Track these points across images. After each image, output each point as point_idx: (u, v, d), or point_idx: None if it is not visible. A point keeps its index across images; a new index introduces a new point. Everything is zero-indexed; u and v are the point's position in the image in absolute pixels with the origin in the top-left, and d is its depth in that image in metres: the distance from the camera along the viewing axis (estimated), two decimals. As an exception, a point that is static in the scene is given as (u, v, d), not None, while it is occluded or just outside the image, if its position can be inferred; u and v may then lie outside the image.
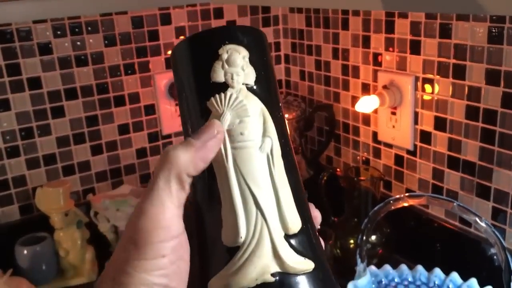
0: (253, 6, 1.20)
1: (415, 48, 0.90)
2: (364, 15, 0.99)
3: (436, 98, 0.88)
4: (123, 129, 1.11)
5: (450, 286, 0.77)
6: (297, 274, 0.31)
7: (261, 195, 0.31)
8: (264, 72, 0.34)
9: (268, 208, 0.31)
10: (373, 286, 0.79)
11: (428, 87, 0.89)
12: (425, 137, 0.92)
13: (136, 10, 1.05)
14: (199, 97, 0.33)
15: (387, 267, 0.82)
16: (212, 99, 0.32)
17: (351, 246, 0.96)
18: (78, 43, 1.03)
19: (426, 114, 0.91)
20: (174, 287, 0.31)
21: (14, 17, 0.88)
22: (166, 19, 1.10)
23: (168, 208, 0.30)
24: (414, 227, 0.97)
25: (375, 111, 1.00)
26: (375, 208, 0.72)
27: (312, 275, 0.31)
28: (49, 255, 0.97)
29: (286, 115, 1.12)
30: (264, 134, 0.32)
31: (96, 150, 1.09)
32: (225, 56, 0.33)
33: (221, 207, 0.31)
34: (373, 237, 0.93)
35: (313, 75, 1.18)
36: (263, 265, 0.30)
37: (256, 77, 0.33)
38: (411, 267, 0.80)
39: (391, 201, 0.69)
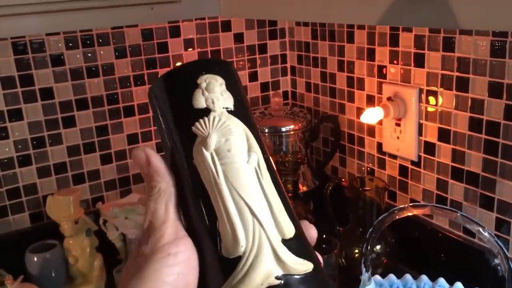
0: (260, 19, 1.22)
1: (419, 61, 0.91)
2: (369, 29, 1.01)
3: (440, 110, 0.90)
4: (132, 139, 1.13)
5: (454, 296, 0.78)
6: (299, 275, 0.32)
7: (255, 204, 0.33)
8: (239, 97, 0.37)
9: (263, 215, 0.33)
10: (378, 295, 0.80)
11: (432, 99, 0.91)
12: (429, 148, 0.93)
13: (147, 24, 1.08)
14: (184, 125, 0.35)
15: (392, 276, 0.83)
16: (197, 123, 0.35)
17: (356, 255, 0.97)
18: (89, 54, 1.05)
19: (430, 126, 0.92)
20: (183, 286, 0.32)
21: (28, 30, 0.90)
22: (175, 32, 1.13)
23: (167, 221, 0.34)
24: (419, 237, 0.98)
25: (380, 123, 1.02)
26: (380, 218, 0.73)
27: (313, 275, 0.33)
28: (59, 262, 0.98)
29: (292, 126, 1.14)
30: (249, 149, 0.35)
31: (106, 159, 1.11)
32: (204, 84, 0.35)
33: (218, 221, 0.33)
34: (378, 247, 0.94)
35: (319, 86, 1.20)
36: (267, 270, 0.32)
37: (234, 101, 0.36)
38: (415, 277, 0.81)
39: (396, 211, 0.70)
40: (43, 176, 1.05)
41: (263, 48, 1.25)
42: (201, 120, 0.35)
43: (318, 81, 1.20)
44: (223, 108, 0.35)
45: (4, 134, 1.00)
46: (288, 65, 1.29)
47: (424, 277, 0.80)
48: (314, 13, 0.71)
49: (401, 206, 0.72)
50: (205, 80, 0.36)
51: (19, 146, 1.02)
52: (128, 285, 0.32)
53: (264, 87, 1.28)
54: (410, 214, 0.71)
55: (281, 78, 1.29)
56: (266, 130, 1.14)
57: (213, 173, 0.33)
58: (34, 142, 1.03)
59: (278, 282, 0.32)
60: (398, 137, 0.98)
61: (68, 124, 1.06)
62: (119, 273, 1.01)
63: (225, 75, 0.37)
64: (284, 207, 0.35)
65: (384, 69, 1.00)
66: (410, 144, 0.96)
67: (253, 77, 1.25)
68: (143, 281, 0.31)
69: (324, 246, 0.89)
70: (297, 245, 0.33)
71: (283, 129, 1.13)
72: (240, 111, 0.36)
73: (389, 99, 0.97)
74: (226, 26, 1.18)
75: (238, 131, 0.35)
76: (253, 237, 0.32)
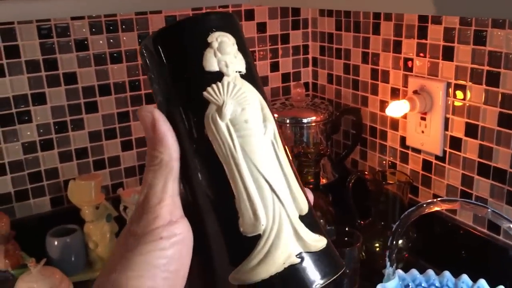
0: (284, 9, 1.21)
1: (448, 54, 0.90)
2: (396, 20, 0.99)
3: (468, 104, 0.88)
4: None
5: (478, 292, 0.77)
6: (316, 251, 0.32)
7: (274, 180, 0.31)
8: (249, 58, 0.33)
9: (283, 192, 0.31)
10: (401, 289, 0.80)
11: (459, 93, 0.89)
12: (455, 143, 0.92)
13: (171, 10, 1.07)
14: (193, 89, 0.31)
15: (414, 271, 0.82)
16: (209, 89, 0.31)
17: (377, 249, 0.97)
18: (112, 40, 1.05)
19: (457, 120, 0.91)
20: (174, 270, 0.31)
21: (54, 13, 0.90)
22: (198, 19, 1.12)
23: (164, 199, 0.31)
24: (441, 233, 0.97)
25: (404, 116, 1.00)
26: (407, 212, 0.72)
27: (327, 250, 0.32)
28: (79, 247, 0.99)
29: (314, 117, 1.13)
30: (265, 120, 0.32)
31: (126, 146, 1.11)
32: (215, 44, 0.32)
33: (235, 198, 0.31)
34: (400, 242, 0.93)
35: (341, 78, 1.19)
36: (288, 248, 0.31)
37: (245, 64, 0.33)
38: (437, 273, 0.80)
39: (424, 205, 0.69)
40: (65, 161, 1.06)
41: (285, 38, 1.24)
42: (213, 86, 0.31)
43: (340, 73, 1.18)
44: (236, 72, 0.32)
45: (26, 118, 1.01)
46: (310, 56, 1.28)
47: (447, 273, 0.80)
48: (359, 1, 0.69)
49: (429, 200, 0.71)
50: (216, 38, 0.32)
51: (41, 130, 1.02)
52: (117, 265, 0.30)
53: (285, 77, 1.27)
54: (438, 208, 0.70)
55: (302, 69, 1.28)
56: (287, 121, 1.13)
57: (229, 146, 0.31)
58: (56, 127, 1.03)
59: (299, 260, 0.31)
60: (422, 131, 0.97)
61: (90, 110, 1.06)
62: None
63: (235, 33, 0.33)
64: (296, 179, 0.33)
65: (410, 62, 0.98)
66: (436, 138, 0.94)
67: (274, 67, 1.24)
68: (132, 263, 0.30)
69: (346, 239, 0.88)
70: (310, 220, 0.32)
71: (304, 120, 1.13)
72: (251, 75, 0.33)
73: (415, 92, 0.96)
74: (249, 15, 1.17)
75: (254, 99, 0.32)
76: (274, 215, 0.31)
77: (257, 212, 0.30)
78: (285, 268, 0.30)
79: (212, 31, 0.32)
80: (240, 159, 0.31)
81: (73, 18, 0.99)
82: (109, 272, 0.31)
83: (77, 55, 1.02)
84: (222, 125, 0.31)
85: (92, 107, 1.05)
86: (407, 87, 0.99)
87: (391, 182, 0.95)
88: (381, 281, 0.76)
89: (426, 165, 0.99)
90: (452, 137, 0.93)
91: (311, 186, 1.01)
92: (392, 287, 0.77)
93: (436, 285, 0.81)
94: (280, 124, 1.13)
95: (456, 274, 0.78)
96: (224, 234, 0.32)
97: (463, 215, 0.93)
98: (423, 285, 0.81)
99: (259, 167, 0.31)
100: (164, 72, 0.32)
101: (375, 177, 0.96)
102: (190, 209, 0.32)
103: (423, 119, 0.96)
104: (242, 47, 0.33)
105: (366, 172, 0.98)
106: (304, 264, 0.31)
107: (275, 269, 0.30)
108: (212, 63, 0.31)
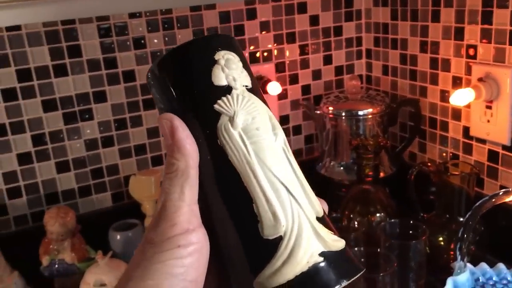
0: (336, 0, 1.19)
1: (516, 39, 0.86)
2: (457, 6, 0.96)
3: (538, 90, 0.84)
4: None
5: (555, 287, 0.73)
6: (336, 251, 0.32)
7: (289, 183, 0.32)
8: (252, 76, 0.35)
9: (299, 193, 0.32)
10: (471, 283, 0.77)
11: (529, 80, 0.85)
12: (525, 132, 0.88)
13: (225, 2, 1.07)
14: (205, 103, 0.33)
15: (484, 265, 0.79)
16: (220, 101, 0.33)
17: (441, 243, 0.93)
18: (166, 38, 1.06)
19: (527, 108, 0.87)
20: (192, 280, 0.30)
21: (112, 9, 0.92)
22: (251, 14, 1.12)
23: (181, 207, 0.31)
24: (509, 227, 0.93)
25: (467, 106, 0.97)
26: (479, 202, 0.69)
27: (346, 251, 0.33)
28: (140, 241, 1.00)
29: (370, 110, 1.10)
30: (274, 129, 0.34)
31: (183, 142, 1.12)
32: (222, 61, 0.34)
33: (253, 203, 0.31)
34: (469, 234, 0.90)
35: (397, 69, 1.16)
36: (311, 248, 0.31)
37: (251, 80, 0.35)
38: (508, 268, 0.77)
39: (499, 194, 0.66)
40: (124, 157, 1.08)
41: (338, 31, 1.22)
42: (224, 98, 0.33)
43: (396, 64, 1.16)
44: (243, 86, 0.34)
45: (87, 116, 1.03)
46: (363, 47, 1.26)
47: (519, 267, 0.76)
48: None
49: (504, 189, 0.68)
50: (223, 56, 0.34)
51: (102, 128, 1.05)
52: (134, 275, 0.30)
53: (339, 70, 1.25)
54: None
55: (355, 61, 1.26)
56: (343, 114, 1.11)
57: (243, 153, 0.32)
58: (116, 124, 1.06)
59: (321, 259, 0.31)
60: (488, 120, 0.93)
61: (148, 107, 1.07)
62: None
63: (238, 53, 0.35)
64: (309, 184, 0.34)
65: (473, 49, 0.94)
66: (503, 127, 0.90)
67: (327, 60, 1.23)
68: (150, 272, 0.30)
69: (411, 232, 0.86)
70: (327, 222, 0.33)
71: (361, 113, 1.11)
72: (256, 90, 0.35)
73: (480, 80, 0.92)
74: (302, 8, 1.16)
75: (262, 110, 0.34)
76: (292, 216, 0.31)
77: (276, 213, 0.31)
78: (309, 268, 0.31)
79: (218, 50, 0.34)
80: (255, 164, 0.32)
81: (130, 17, 1.01)
82: (126, 280, 0.30)
83: (135, 53, 1.04)
84: (235, 133, 0.32)
85: (149, 104, 1.07)
86: (470, 75, 0.96)
87: (456, 173, 0.92)
88: (446, 276, 0.73)
89: (492, 155, 0.95)
90: (521, 126, 0.88)
91: (370, 179, 0.99)
92: (463, 281, 0.74)
93: (508, 278, 0.77)
94: (335, 117, 1.12)
95: (528, 268, 0.74)
96: (244, 240, 0.32)
97: (535, 207, 0.89)
98: (494, 279, 0.78)
99: (273, 171, 0.32)
100: (174, 92, 0.34)
101: (439, 168, 0.93)
102: (205, 219, 0.33)
103: (489, 107, 0.92)
104: (246, 66, 0.35)
105: (429, 163, 0.95)
106: (327, 262, 0.31)
107: (300, 268, 0.31)
108: (220, 78, 0.33)
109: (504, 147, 0.92)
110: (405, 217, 0.93)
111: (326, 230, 0.32)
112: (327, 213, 0.35)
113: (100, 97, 1.03)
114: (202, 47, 0.34)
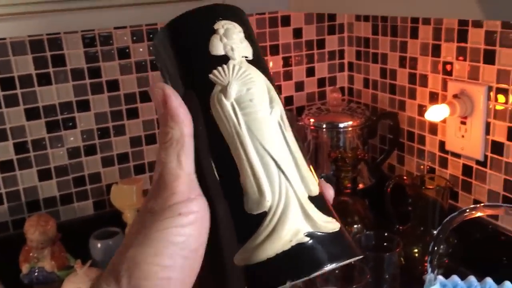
0: (320, 14, 1.22)
1: (489, 58, 0.89)
2: (435, 24, 0.99)
3: (510, 108, 0.87)
4: (191, 131, 1.15)
5: (523, 300, 0.76)
6: (327, 233, 0.31)
7: (280, 157, 0.31)
8: (256, 47, 0.34)
9: (290, 170, 0.31)
10: (442, 295, 0.79)
11: (501, 97, 0.88)
12: (497, 147, 0.90)
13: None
14: (200, 72, 0.32)
15: (455, 277, 0.81)
16: (215, 71, 0.32)
17: (416, 255, 0.96)
18: (151, 48, 1.07)
19: (499, 125, 0.89)
20: (193, 249, 0.30)
21: (109, 23, 0.93)
22: (235, 26, 1.13)
23: (180, 176, 0.30)
24: (482, 239, 0.95)
25: (444, 121, 0.99)
26: (449, 217, 0.71)
27: (340, 234, 0.31)
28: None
29: (350, 122, 1.13)
30: (271, 102, 0.32)
31: (165, 151, 1.13)
32: (221, 30, 0.33)
33: (239, 175, 0.31)
34: (440, 247, 0.92)
35: (378, 83, 1.18)
36: (296, 226, 0.30)
37: (252, 51, 0.34)
38: (478, 280, 0.79)
39: (467, 210, 0.68)
40: (107, 166, 1.09)
41: (321, 43, 1.24)
42: (219, 68, 0.32)
43: (377, 77, 1.18)
44: (242, 56, 0.33)
45: (71, 124, 1.04)
46: (345, 60, 1.28)
47: (489, 280, 0.78)
48: (400, 6, 0.69)
49: (472, 206, 0.70)
50: (222, 26, 0.33)
51: (85, 136, 1.06)
52: (133, 242, 0.29)
53: (321, 82, 1.27)
54: (481, 214, 0.69)
55: (338, 74, 1.28)
56: (324, 126, 1.13)
57: (234, 124, 0.31)
58: (99, 132, 1.07)
59: (307, 239, 0.30)
60: (463, 136, 0.96)
61: (131, 116, 1.08)
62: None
63: (242, 23, 0.34)
64: (306, 163, 0.33)
65: (450, 65, 0.97)
66: (476, 143, 0.93)
67: (310, 72, 1.25)
68: (149, 240, 0.29)
69: (385, 244, 0.88)
70: (322, 203, 0.32)
71: (341, 125, 1.13)
72: (259, 62, 0.34)
73: (455, 96, 0.95)
74: (286, 21, 1.18)
75: (259, 81, 0.33)
76: (280, 192, 0.30)
77: (262, 188, 0.30)
78: (292, 246, 0.29)
79: (219, 19, 0.33)
80: (245, 136, 0.31)
81: (115, 28, 1.03)
82: (125, 248, 0.30)
83: (119, 63, 1.05)
84: (227, 104, 0.31)
85: (133, 113, 1.08)
86: (446, 91, 0.98)
87: (430, 187, 0.94)
88: (421, 287, 0.76)
89: (467, 170, 0.98)
90: (493, 142, 0.91)
91: (348, 190, 1.01)
92: (433, 293, 0.76)
93: (479, 291, 0.79)
94: (316, 129, 1.14)
95: (498, 281, 0.76)
96: (229, 214, 0.31)
97: (505, 220, 0.91)
98: (465, 291, 0.80)
99: (264, 144, 0.31)
100: (173, 60, 0.34)
101: (414, 181, 0.95)
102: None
103: (463, 123, 0.95)
104: (250, 36, 0.34)
105: (405, 177, 0.98)
106: (313, 243, 0.30)
107: (282, 246, 0.29)
108: (217, 47, 0.32)
109: (478, 162, 0.95)
110: (382, 228, 0.95)
111: (316, 210, 0.31)
112: (331, 199, 0.34)
113: (84, 106, 1.04)
114: (202, 16, 0.34)
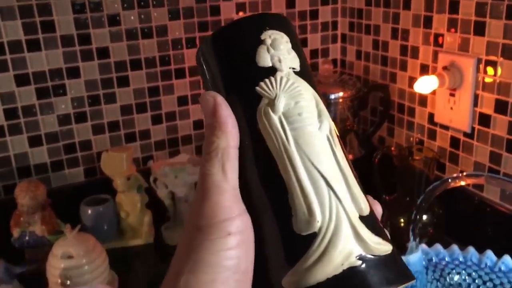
0: (313, -16, 1.20)
1: (479, 30, 0.88)
2: (427, -5, 0.98)
3: (498, 80, 0.87)
4: (182, 100, 1.15)
5: (502, 268, 0.77)
6: (379, 256, 0.29)
7: (330, 175, 0.29)
8: (303, 58, 0.33)
9: (340, 188, 0.29)
10: (424, 263, 0.80)
11: (490, 70, 0.88)
12: (484, 120, 0.91)
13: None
14: (246, 85, 0.31)
15: (438, 246, 0.82)
16: (262, 83, 0.31)
17: (402, 225, 0.97)
18: (143, 16, 1.07)
19: (487, 97, 0.90)
20: (244, 271, 0.28)
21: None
22: (228, -5, 1.13)
23: (226, 190, 0.29)
24: (467, 210, 0.97)
25: (433, 93, 1.00)
26: (431, 186, 0.73)
27: (392, 257, 0.30)
28: (111, 216, 1.03)
29: (341, 93, 1.13)
30: (320, 115, 0.31)
31: (156, 120, 1.14)
32: (268, 41, 0.32)
33: (288, 194, 0.29)
34: (425, 217, 0.94)
35: (370, 55, 1.18)
36: (347, 248, 0.28)
37: (299, 62, 0.32)
38: (461, 249, 0.81)
39: (449, 180, 0.69)
40: (97, 133, 1.09)
41: (314, 14, 1.23)
42: (266, 80, 0.31)
43: (369, 49, 1.18)
44: (290, 68, 0.32)
45: (61, 91, 1.04)
46: (338, 32, 1.27)
47: (471, 249, 0.80)
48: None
49: (454, 175, 0.71)
50: (269, 36, 0.32)
51: (75, 104, 1.06)
52: (185, 269, 0.28)
53: (314, 54, 1.27)
54: (463, 183, 0.70)
55: (331, 45, 1.28)
56: (315, 97, 1.13)
57: (282, 139, 0.30)
58: (90, 100, 1.07)
59: (360, 262, 0.28)
60: (451, 108, 0.96)
61: (122, 84, 1.08)
62: (167, 230, 1.05)
63: (288, 33, 0.33)
64: (356, 180, 0.31)
65: (441, 37, 0.97)
66: (464, 115, 0.94)
67: (302, 43, 1.24)
68: (202, 266, 0.27)
69: (370, 212, 0.89)
70: (373, 223, 0.30)
71: (332, 96, 1.13)
72: (306, 73, 0.32)
73: (444, 68, 0.95)
74: (279, -10, 1.17)
75: (308, 94, 0.31)
76: (330, 212, 0.29)
77: (311, 207, 0.28)
78: (343, 270, 0.28)
79: (266, 29, 0.32)
80: (293, 152, 0.29)
81: (105, -6, 1.02)
82: (176, 274, 0.28)
83: (109, 30, 1.04)
84: (274, 118, 0.30)
85: (123, 82, 1.08)
86: (436, 64, 0.98)
87: (417, 158, 0.95)
88: (404, 255, 0.77)
89: (454, 141, 0.99)
90: (481, 114, 0.92)
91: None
92: (414, 260, 0.78)
93: (460, 259, 0.81)
94: (307, 100, 1.14)
95: (481, 251, 0.78)
96: (277, 234, 0.29)
97: (490, 192, 0.93)
98: (446, 259, 0.82)
99: (313, 161, 0.29)
100: (218, 70, 0.33)
101: (402, 152, 0.96)
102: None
103: (452, 95, 0.95)
104: (296, 47, 0.33)
105: (392, 148, 0.98)
106: (366, 267, 0.28)
107: (333, 270, 0.28)
108: (265, 59, 0.31)
109: (465, 134, 0.96)
110: (369, 199, 0.96)
111: (368, 231, 0.29)
112: (380, 215, 0.32)
113: (74, 73, 1.04)
114: (249, 26, 0.33)
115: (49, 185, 1.05)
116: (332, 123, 0.32)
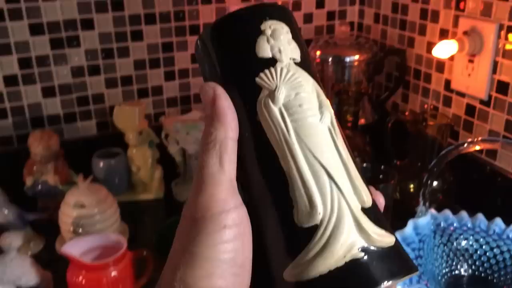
0: None
1: (504, -6, 0.86)
2: (452, -44, 0.95)
3: (520, 47, 0.85)
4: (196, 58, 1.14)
5: (511, 235, 0.78)
6: (382, 248, 0.29)
7: (332, 166, 0.29)
8: (304, 48, 0.33)
9: (342, 180, 0.29)
10: (432, 227, 0.81)
11: (511, 36, 0.86)
12: (502, 87, 0.90)
13: None
14: (246, 76, 0.31)
15: (447, 211, 0.82)
16: (262, 74, 0.30)
17: (411, 190, 0.97)
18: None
19: (507, 64, 0.88)
20: (241, 264, 0.28)
21: None
22: (246, -50, 1.10)
23: (222, 181, 0.28)
24: (479, 178, 0.96)
25: (451, 58, 0.98)
26: (444, 151, 0.72)
27: (395, 249, 0.29)
28: (122, 170, 1.04)
29: (357, 56, 1.11)
30: (321, 106, 0.31)
31: (169, 76, 1.13)
32: (268, 31, 0.31)
33: (289, 186, 0.29)
34: (435, 183, 0.94)
35: (388, 18, 1.15)
36: (350, 240, 0.28)
37: (300, 52, 0.32)
38: (470, 217, 0.81)
39: (464, 144, 0.69)
40: (110, 87, 1.09)
41: (333, -26, 1.20)
42: (266, 71, 0.30)
43: (388, 12, 1.15)
44: (290, 59, 0.31)
45: (75, 43, 1.03)
46: (357, -6, 1.24)
47: (480, 215, 0.80)
48: None
49: (469, 140, 0.70)
50: (269, 26, 0.31)
51: (89, 56, 1.05)
52: (181, 262, 0.28)
53: (330, 16, 1.24)
54: (478, 147, 0.70)
55: (348, 8, 1.25)
56: (330, 59, 1.12)
57: (282, 131, 0.29)
58: (103, 54, 1.06)
59: (362, 254, 0.28)
60: (469, 74, 0.95)
61: (136, 38, 1.07)
62: (177, 185, 1.06)
63: (289, 23, 0.33)
64: (358, 171, 0.31)
65: (463, 2, 0.94)
66: (482, 82, 0.92)
67: (320, 4, 1.22)
68: (198, 260, 0.27)
69: (381, 176, 0.89)
70: (375, 215, 0.30)
71: (347, 59, 1.11)
72: (306, 64, 0.32)
73: (465, 33, 0.93)
74: None
75: (308, 85, 0.31)
76: (332, 204, 0.28)
77: (313, 199, 0.28)
78: (346, 262, 0.28)
79: (266, 19, 0.32)
80: (293, 143, 0.29)
81: None
82: (173, 269, 0.28)
83: (124, -18, 1.03)
84: (275, 109, 0.30)
85: (137, 36, 1.07)
86: (457, 29, 0.96)
87: (431, 123, 0.94)
88: (413, 219, 0.77)
89: (470, 109, 0.98)
90: (499, 81, 0.90)
91: (349, 124, 1.02)
92: (423, 223, 0.78)
93: (468, 225, 0.81)
94: (322, 62, 1.13)
95: (490, 220, 0.78)
96: (278, 227, 0.29)
97: (504, 160, 0.92)
98: (455, 225, 0.82)
99: (314, 152, 0.29)
100: (217, 61, 0.32)
101: (416, 117, 0.95)
102: (244, 200, 0.30)
103: (471, 61, 0.93)
104: (296, 37, 0.32)
105: (406, 113, 0.98)
106: (368, 259, 0.28)
107: (335, 262, 0.28)
108: (265, 49, 0.31)
109: (482, 102, 0.95)
110: (379, 162, 0.96)
111: (371, 222, 0.29)
112: (382, 207, 0.32)
113: (88, 24, 1.03)
114: (249, 16, 0.32)
115: (61, 137, 1.06)
116: (333, 115, 0.31)
